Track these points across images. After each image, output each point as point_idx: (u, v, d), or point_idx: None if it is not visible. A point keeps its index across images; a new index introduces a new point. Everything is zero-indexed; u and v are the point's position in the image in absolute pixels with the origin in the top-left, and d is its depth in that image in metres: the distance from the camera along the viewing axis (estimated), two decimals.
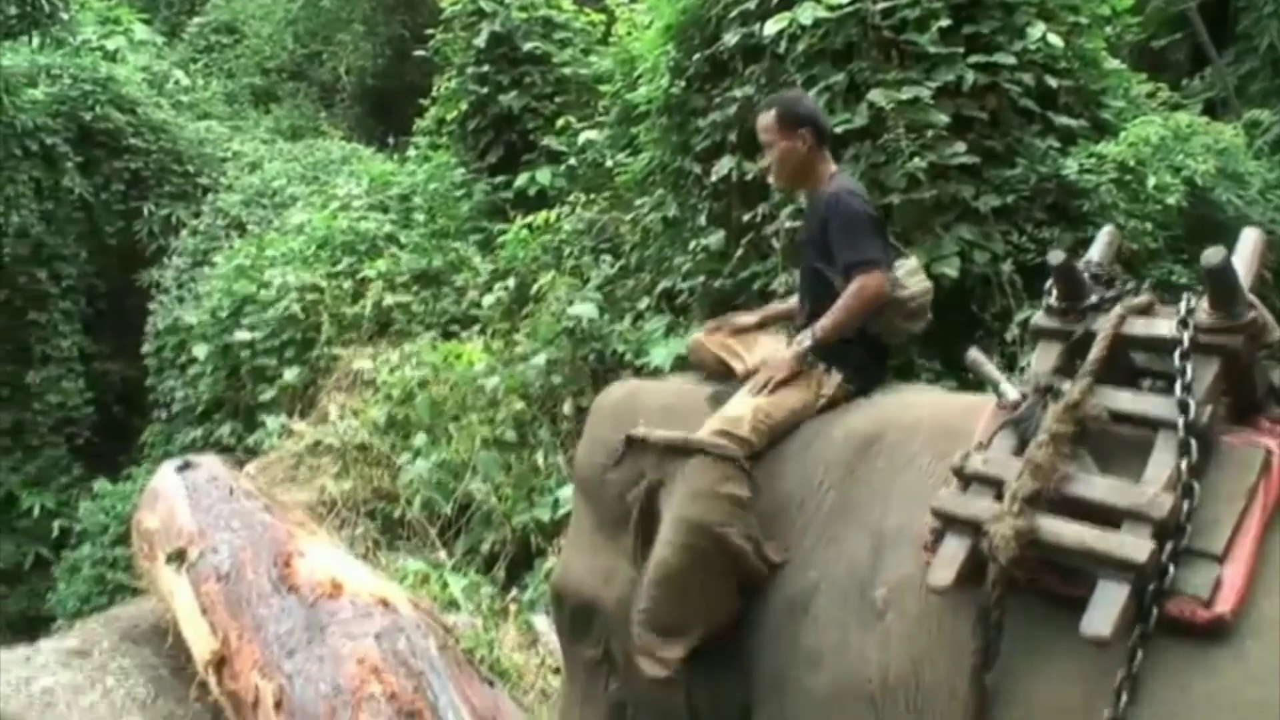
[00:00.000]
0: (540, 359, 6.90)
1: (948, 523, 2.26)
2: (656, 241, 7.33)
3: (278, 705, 4.05)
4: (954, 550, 2.22)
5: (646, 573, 2.84)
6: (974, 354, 2.62)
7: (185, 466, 5.82)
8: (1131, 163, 5.86)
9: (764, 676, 2.68)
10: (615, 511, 3.08)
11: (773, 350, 3.20)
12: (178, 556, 5.10)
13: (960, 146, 5.78)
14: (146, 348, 10.87)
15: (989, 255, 5.68)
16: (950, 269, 5.52)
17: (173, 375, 10.42)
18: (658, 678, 2.79)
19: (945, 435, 2.57)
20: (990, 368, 2.54)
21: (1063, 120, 6.12)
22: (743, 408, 2.99)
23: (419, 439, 6.80)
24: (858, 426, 2.83)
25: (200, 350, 9.24)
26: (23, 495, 12.07)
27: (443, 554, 6.22)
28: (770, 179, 3.52)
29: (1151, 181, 5.83)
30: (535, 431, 6.76)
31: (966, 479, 2.30)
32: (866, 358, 3.19)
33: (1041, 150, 5.92)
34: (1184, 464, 2.07)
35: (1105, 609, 1.98)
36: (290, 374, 8.28)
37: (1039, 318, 2.42)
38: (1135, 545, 2.01)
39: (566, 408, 6.78)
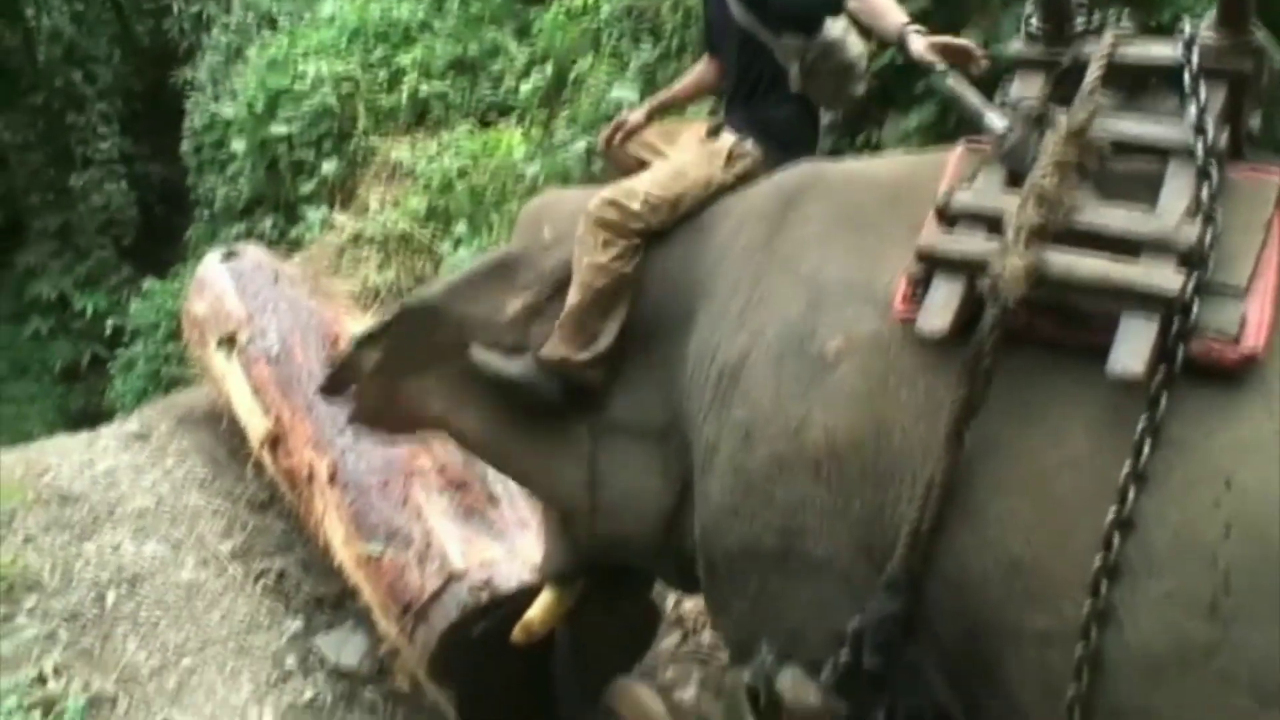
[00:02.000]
0: (580, 145, 6.78)
1: (934, 265, 2.04)
2: (697, 24, 7.14)
3: (331, 479, 4.17)
4: (946, 295, 2.00)
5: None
6: (952, 81, 2.34)
7: (229, 255, 5.86)
8: None
9: (697, 459, 2.48)
10: None
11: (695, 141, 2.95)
12: (228, 342, 5.18)
13: None
14: (185, 146, 10.80)
15: None
16: None
17: (212, 173, 10.39)
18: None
19: (895, 184, 2.36)
20: (972, 95, 2.27)
21: None
22: (638, 181, 2.78)
23: (460, 228, 6.77)
24: (787, 180, 2.58)
25: (238, 145, 9.18)
26: (75, 296, 12.27)
27: None
28: None
29: None
30: None
31: (952, 217, 2.07)
32: (795, 125, 2.95)
33: None
34: (1205, 190, 1.88)
35: (1134, 345, 1.81)
36: (328, 166, 8.23)
37: (1018, 45, 2.17)
38: (1163, 275, 1.83)
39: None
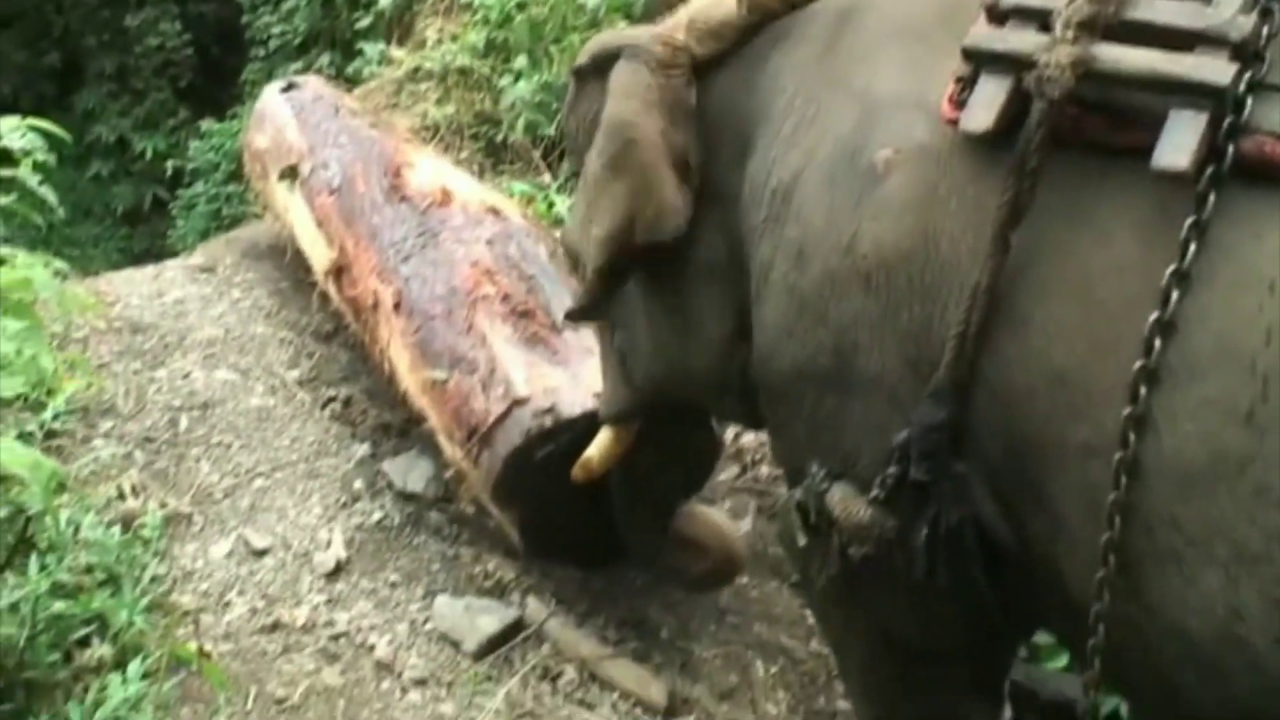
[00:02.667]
0: None
1: (982, 63, 1.96)
2: None
3: (396, 306, 4.19)
4: (993, 91, 1.93)
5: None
6: None
7: (289, 87, 5.83)
8: None
9: (754, 283, 2.44)
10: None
11: None
12: (290, 173, 5.19)
13: None
14: None
15: None
16: None
17: (266, 11, 10.31)
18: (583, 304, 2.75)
19: None
20: None
21: None
22: (682, 13, 2.67)
23: (519, 61, 6.68)
24: (835, 1, 2.50)
25: None
26: (134, 139, 12.32)
27: (547, 176, 6.22)
28: None
29: None
30: None
31: (1002, 15, 1.98)
32: None
33: None
34: None
35: (1180, 138, 1.72)
36: (385, 0, 8.13)
37: None
38: (1214, 68, 1.73)
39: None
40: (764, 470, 4.64)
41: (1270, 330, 1.64)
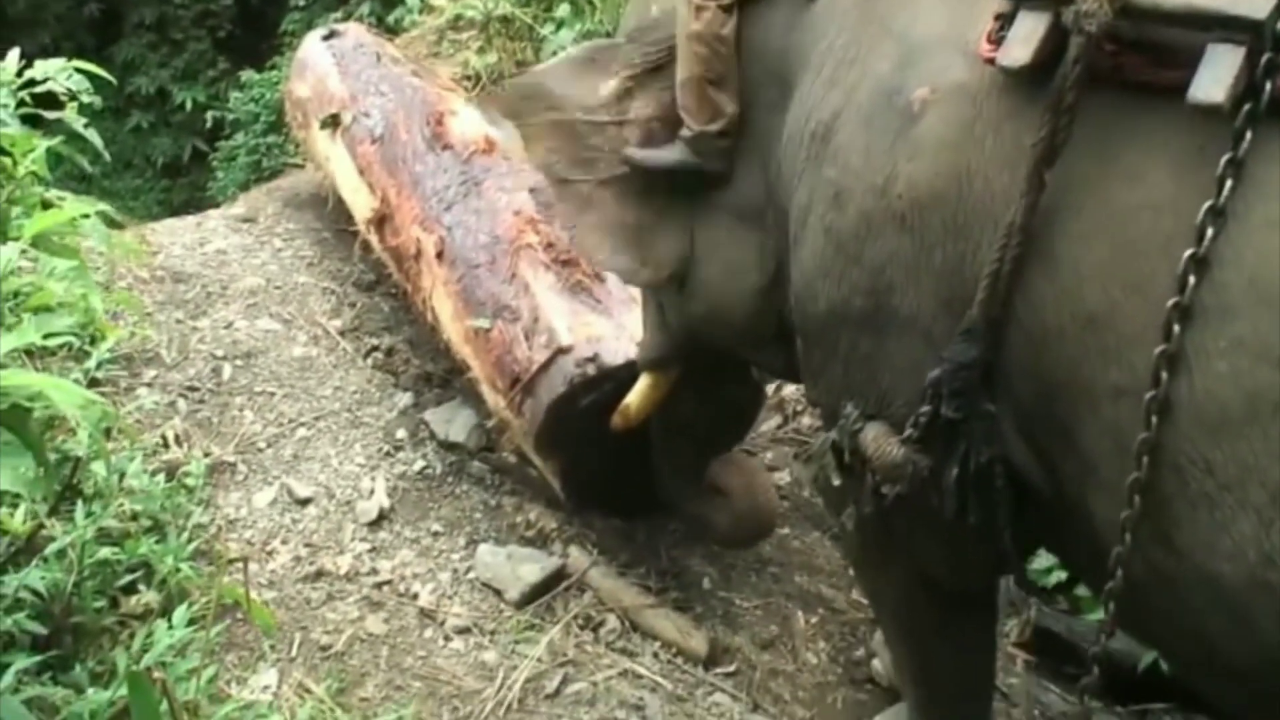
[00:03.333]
0: None
1: (1021, 0, 1.94)
2: None
3: (439, 255, 4.17)
4: (1031, 26, 1.90)
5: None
6: None
7: (331, 35, 5.81)
8: None
9: (793, 224, 2.45)
10: None
11: None
12: (331, 121, 5.17)
13: None
14: None
15: None
16: None
17: None
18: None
19: None
20: None
21: None
22: None
23: (562, 10, 6.62)
24: None
25: None
26: (174, 90, 12.36)
27: None
28: None
29: None
30: None
31: None
32: None
33: None
34: None
35: (1216, 72, 1.68)
36: None
37: None
38: (1252, 2, 1.69)
39: None
40: (805, 421, 4.62)
41: None
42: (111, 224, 3.38)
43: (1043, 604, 3.76)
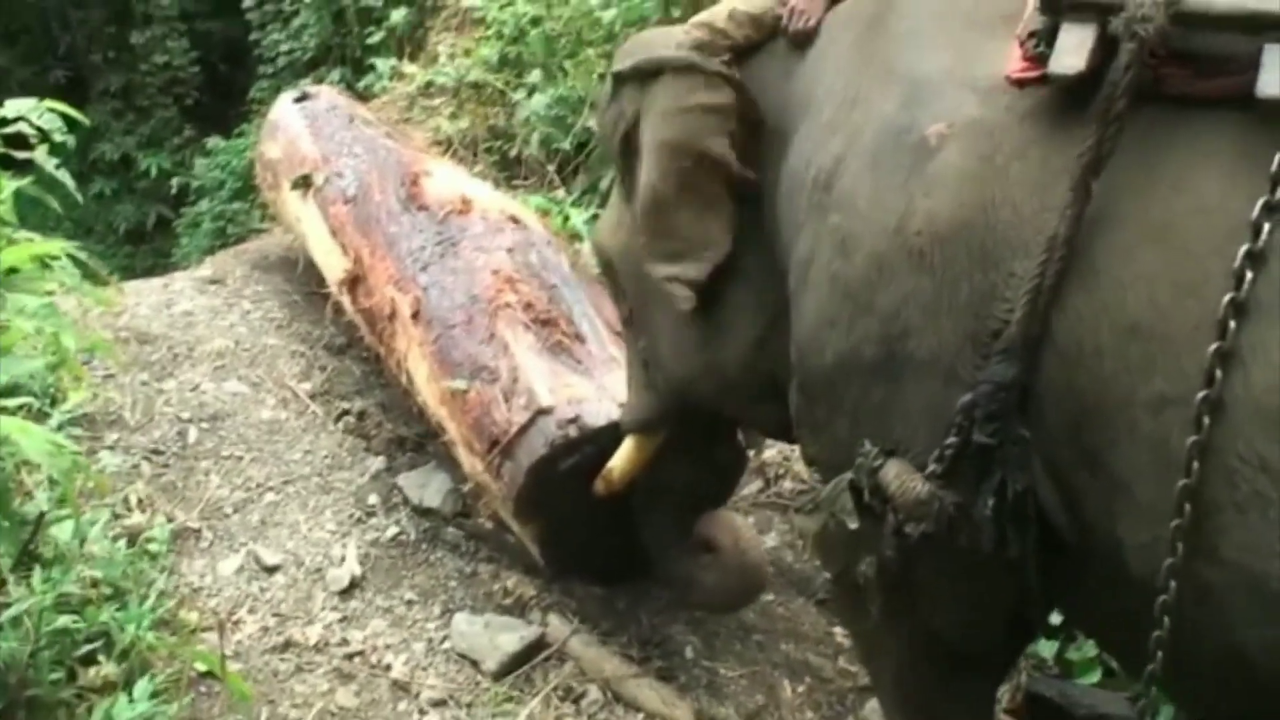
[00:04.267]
0: None
1: (1061, 13, 1.93)
2: None
3: (414, 316, 4.07)
4: (1079, 36, 1.90)
5: (637, 207, 2.70)
6: None
7: (303, 97, 5.77)
8: None
9: (793, 277, 2.39)
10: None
11: None
12: (303, 182, 5.09)
13: None
14: (248, 2, 10.64)
15: None
16: None
17: (275, 29, 10.25)
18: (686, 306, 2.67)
19: None
20: None
21: None
22: (724, 3, 2.68)
23: (534, 75, 6.60)
24: None
25: None
26: (139, 157, 12.26)
27: (561, 191, 6.12)
28: None
29: None
30: None
31: None
32: None
33: None
34: None
35: None
36: (397, 15, 8.02)
37: None
38: None
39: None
40: (787, 485, 4.53)
41: None
42: (83, 270, 3.26)
43: (1034, 668, 3.66)
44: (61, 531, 3.08)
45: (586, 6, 6.66)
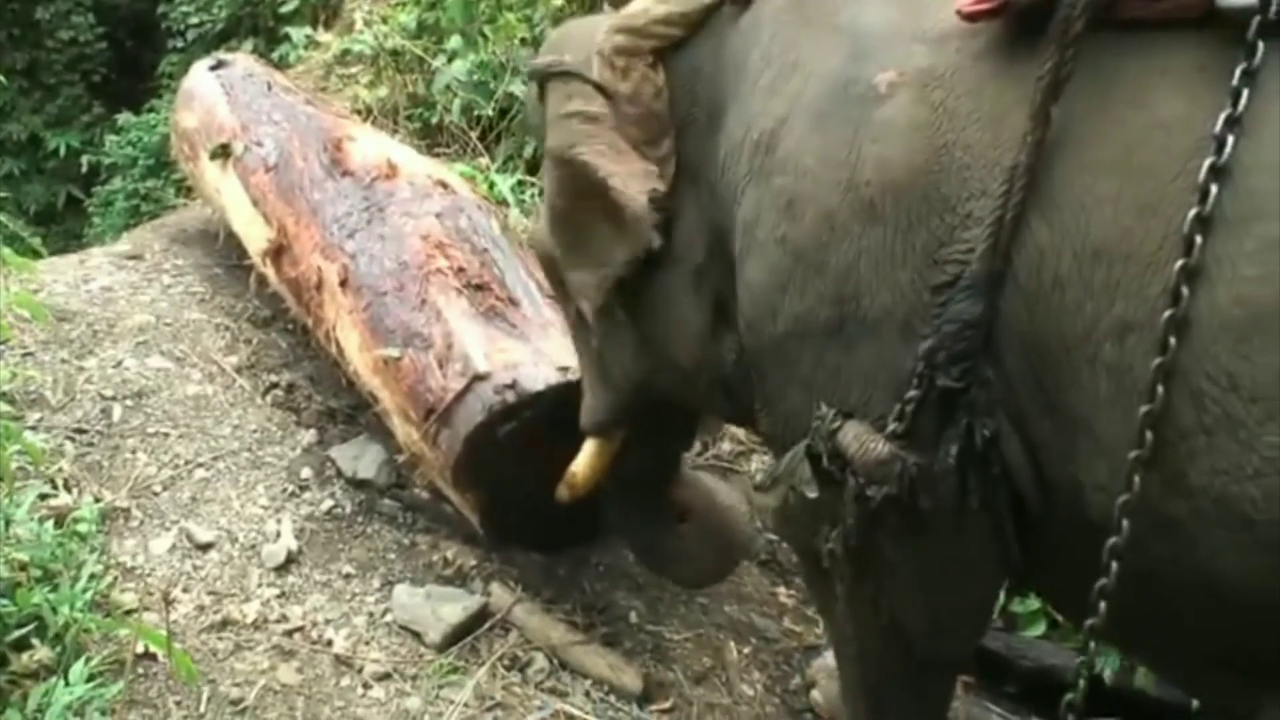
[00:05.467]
0: None
1: None
2: None
3: (343, 284, 3.98)
4: None
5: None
6: None
7: (218, 65, 5.62)
8: None
9: (736, 247, 2.34)
10: None
11: None
12: (222, 152, 4.96)
13: None
14: None
15: None
16: None
17: (184, 1, 10.02)
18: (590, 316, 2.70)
19: None
20: None
21: None
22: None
23: (453, 41, 6.48)
24: None
25: None
26: (46, 136, 11.93)
27: (485, 159, 6.03)
28: None
29: None
30: None
31: None
32: None
33: None
34: None
35: None
36: None
37: None
38: None
39: (605, 4, 6.42)
40: (725, 447, 4.52)
41: None
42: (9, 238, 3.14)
43: None
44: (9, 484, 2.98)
45: None
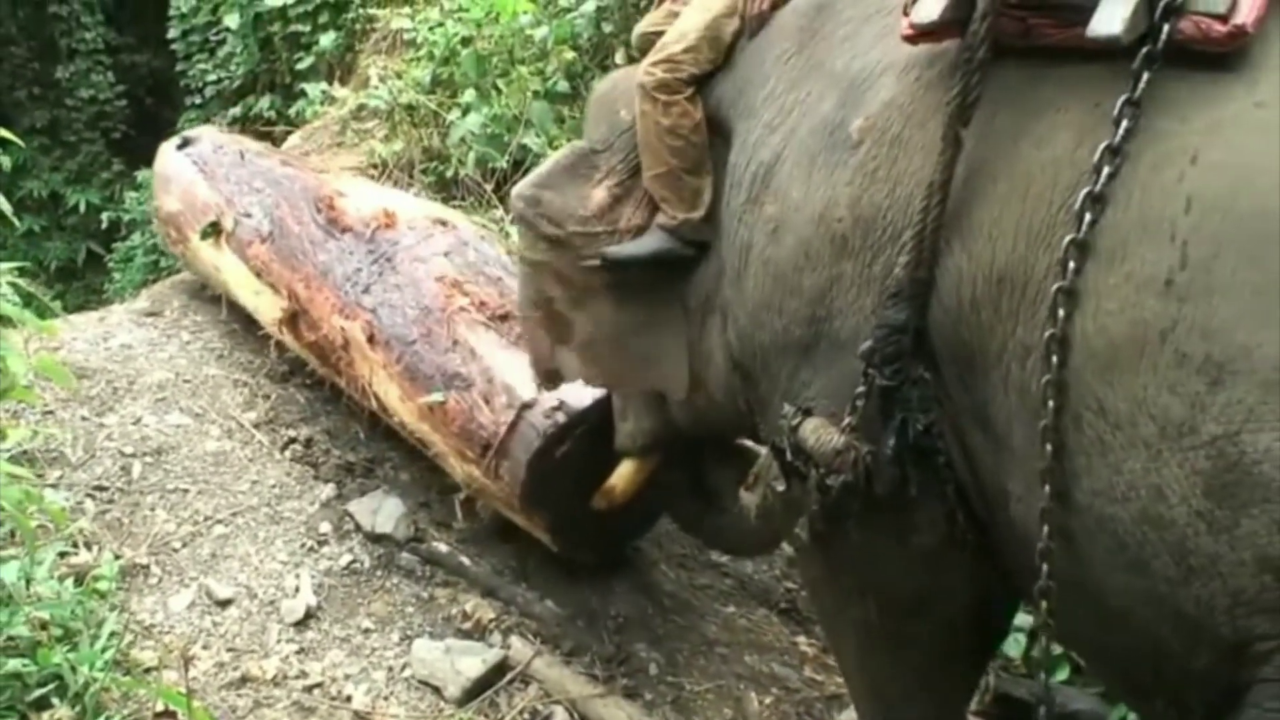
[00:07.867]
0: (589, 6, 6.52)
1: None
2: None
3: (370, 339, 4.03)
4: None
5: None
6: None
7: (185, 144, 5.60)
8: None
9: (730, 260, 2.53)
10: None
11: None
12: (213, 230, 4.99)
13: None
14: (173, 33, 10.50)
15: None
16: None
17: (202, 59, 10.15)
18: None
19: None
20: None
21: None
22: (671, 34, 2.78)
23: (467, 95, 6.55)
24: None
25: (232, 20, 8.90)
26: (67, 193, 12.11)
27: (500, 210, 6.07)
28: None
29: None
30: (588, 82, 6.47)
31: None
32: None
33: None
34: None
35: (1114, 10, 1.75)
36: (326, 39, 7.98)
37: None
38: None
39: (618, 57, 6.46)
40: None
41: (1190, 198, 1.66)
42: (25, 299, 3.17)
43: (1001, 668, 3.65)
44: (7, 572, 2.99)
45: (517, 25, 6.65)
